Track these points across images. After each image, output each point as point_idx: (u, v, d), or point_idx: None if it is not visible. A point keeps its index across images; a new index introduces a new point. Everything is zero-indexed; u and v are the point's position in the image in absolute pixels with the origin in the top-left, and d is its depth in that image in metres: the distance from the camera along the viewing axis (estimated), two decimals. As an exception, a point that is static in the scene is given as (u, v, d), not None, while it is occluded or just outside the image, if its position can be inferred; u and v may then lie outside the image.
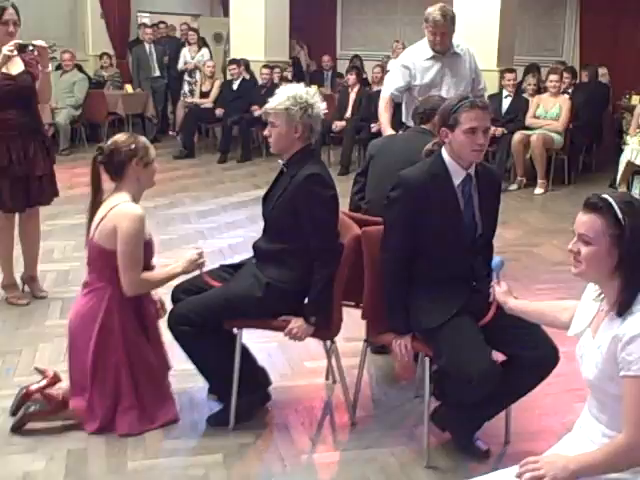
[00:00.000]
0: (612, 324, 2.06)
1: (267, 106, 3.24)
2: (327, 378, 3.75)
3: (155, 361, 3.32)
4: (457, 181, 3.01)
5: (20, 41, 4.37)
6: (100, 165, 3.27)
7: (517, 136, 8.38)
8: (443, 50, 4.95)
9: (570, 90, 9.33)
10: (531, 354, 2.85)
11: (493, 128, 8.16)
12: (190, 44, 11.48)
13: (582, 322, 2.22)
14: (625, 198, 2.08)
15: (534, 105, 8.59)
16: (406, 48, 11.64)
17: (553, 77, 8.55)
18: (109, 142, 3.31)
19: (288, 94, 3.19)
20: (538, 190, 8.41)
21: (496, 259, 2.92)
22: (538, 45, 12.79)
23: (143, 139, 3.33)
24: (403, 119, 5.11)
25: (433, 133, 4.02)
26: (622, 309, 2.04)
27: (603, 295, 2.14)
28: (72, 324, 3.27)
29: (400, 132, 4.79)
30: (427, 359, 3.01)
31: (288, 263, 3.21)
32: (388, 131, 4.86)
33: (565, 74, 9.10)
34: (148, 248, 3.31)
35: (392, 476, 2.96)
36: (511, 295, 2.78)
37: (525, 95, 8.93)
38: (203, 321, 3.16)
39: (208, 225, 6.75)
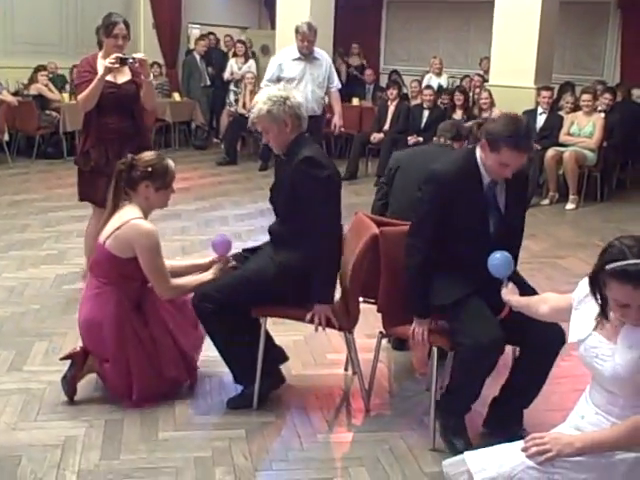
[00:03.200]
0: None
1: (251, 118, 3.53)
2: (346, 369, 4.01)
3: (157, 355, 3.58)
4: (485, 180, 3.19)
5: (121, 55, 4.78)
6: (121, 174, 3.57)
7: (550, 152, 8.55)
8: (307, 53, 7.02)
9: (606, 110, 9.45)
10: (539, 333, 3.02)
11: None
12: (238, 55, 11.86)
13: (584, 329, 2.35)
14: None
15: (568, 122, 8.75)
16: (442, 63, 12.05)
17: (586, 96, 8.69)
18: (137, 156, 3.61)
19: (263, 99, 3.46)
20: (570, 205, 8.55)
21: (500, 260, 3.10)
22: (578, 64, 12.91)
23: (166, 164, 3.60)
24: None
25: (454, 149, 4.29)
26: None
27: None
28: (82, 329, 3.58)
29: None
30: (435, 349, 3.26)
31: (299, 244, 3.42)
32: None
33: (606, 94, 9.22)
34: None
35: (400, 456, 3.20)
36: (515, 294, 3.02)
37: (562, 113, 9.08)
38: (222, 299, 3.41)
39: (245, 228, 7.07)
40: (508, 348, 3.32)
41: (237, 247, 3.88)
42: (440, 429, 3.26)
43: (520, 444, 2.26)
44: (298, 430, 3.39)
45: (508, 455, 2.26)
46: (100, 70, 4.78)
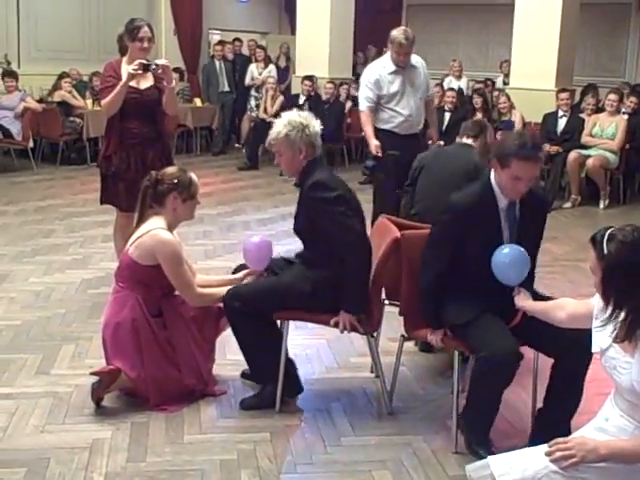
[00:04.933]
0: None
1: (269, 139, 3.57)
2: (372, 371, 4.02)
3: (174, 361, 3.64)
4: (502, 204, 3.23)
5: (144, 61, 4.85)
6: (147, 190, 3.67)
7: (572, 155, 8.51)
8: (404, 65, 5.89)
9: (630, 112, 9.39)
10: (570, 339, 2.98)
11: (548, 146, 8.34)
12: (258, 61, 11.92)
13: (605, 339, 2.36)
14: (621, 234, 2.22)
15: (590, 124, 8.72)
16: (462, 66, 11.90)
17: (612, 96, 8.64)
18: (160, 172, 3.72)
19: (284, 122, 3.51)
20: (602, 204, 8.63)
21: (510, 266, 3.11)
22: (599, 66, 12.85)
23: (190, 176, 3.70)
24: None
25: (475, 148, 4.32)
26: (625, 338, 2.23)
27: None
28: (102, 332, 3.65)
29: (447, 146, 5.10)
30: (457, 352, 3.27)
31: (330, 263, 3.47)
32: (374, 141, 5.70)
33: (632, 97, 9.17)
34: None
35: (423, 460, 3.22)
36: (528, 299, 3.03)
37: (583, 115, 9.05)
38: (252, 301, 3.48)
39: (267, 232, 7.08)
40: (529, 354, 3.34)
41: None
42: (465, 442, 3.25)
43: (544, 448, 2.26)
44: (322, 433, 3.42)
45: (532, 459, 2.26)
46: (124, 75, 4.85)
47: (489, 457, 2.37)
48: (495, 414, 3.21)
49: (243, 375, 3.90)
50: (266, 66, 11.89)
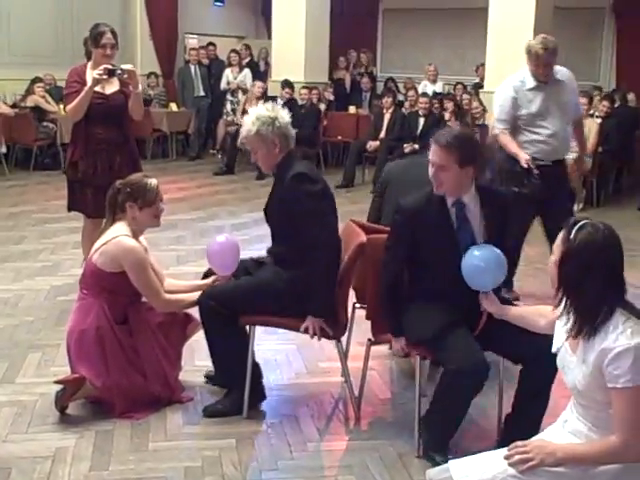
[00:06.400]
0: (593, 341, 2.20)
1: (240, 138, 3.57)
2: (342, 376, 4.00)
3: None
4: (449, 202, 3.23)
5: (109, 65, 4.80)
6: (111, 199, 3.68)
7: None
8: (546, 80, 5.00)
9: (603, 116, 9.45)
10: (531, 345, 2.95)
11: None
12: (232, 65, 11.89)
13: (559, 338, 2.38)
14: (593, 228, 2.21)
15: (563, 128, 8.74)
16: (437, 70, 11.83)
17: (581, 101, 8.68)
18: (122, 180, 3.72)
19: (252, 119, 3.49)
20: (576, 207, 8.59)
21: (479, 269, 3.08)
22: (573, 69, 12.71)
23: (146, 183, 3.66)
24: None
25: None
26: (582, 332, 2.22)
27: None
28: (67, 339, 3.62)
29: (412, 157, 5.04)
30: (418, 357, 3.27)
31: (302, 261, 3.43)
32: (523, 156, 4.91)
33: (605, 102, 9.22)
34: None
35: (389, 464, 3.20)
36: (496, 303, 3.03)
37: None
38: (228, 302, 3.46)
39: (241, 237, 7.02)
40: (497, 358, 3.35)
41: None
42: (422, 447, 3.24)
43: (504, 452, 2.26)
44: (289, 439, 3.39)
45: (491, 463, 2.26)
46: (89, 81, 4.81)
47: (450, 461, 2.36)
48: (459, 424, 3.19)
49: (207, 377, 3.87)
50: (241, 70, 11.85)
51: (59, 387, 3.50)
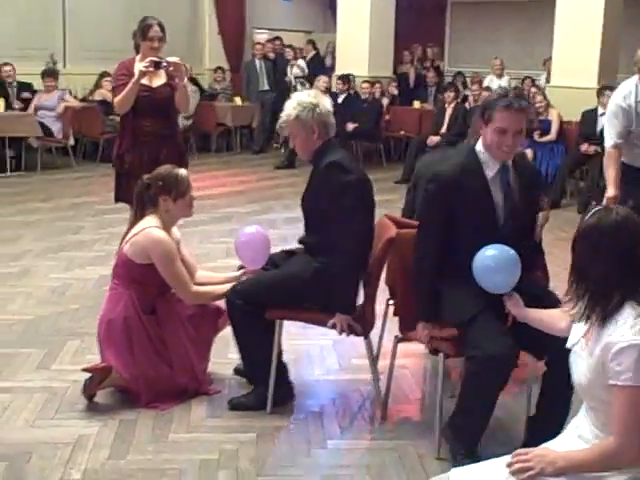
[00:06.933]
0: (602, 333, 2.12)
1: (280, 122, 3.51)
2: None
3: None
4: (491, 172, 3.10)
5: (155, 58, 4.86)
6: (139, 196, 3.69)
7: (611, 154, 8.23)
8: None
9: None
10: (555, 343, 2.75)
11: (586, 145, 8.10)
12: (288, 60, 11.91)
13: (577, 334, 2.28)
14: (608, 211, 2.14)
15: (632, 123, 8.41)
16: (504, 65, 11.50)
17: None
18: (148, 175, 3.73)
19: (293, 104, 3.44)
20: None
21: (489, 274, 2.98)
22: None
23: (177, 174, 3.67)
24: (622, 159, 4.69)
25: None
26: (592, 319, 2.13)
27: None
28: (98, 329, 3.68)
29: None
30: (442, 355, 3.18)
31: (333, 251, 3.36)
32: (610, 192, 4.45)
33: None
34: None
35: (408, 465, 3.13)
36: (520, 305, 2.91)
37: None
38: (254, 297, 3.44)
39: (292, 231, 7.03)
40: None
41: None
42: (450, 453, 3.11)
43: (507, 459, 2.17)
44: (310, 436, 3.35)
45: (493, 471, 2.17)
46: (137, 74, 4.86)
47: (452, 470, 2.28)
48: (486, 424, 3.06)
49: (236, 371, 3.86)
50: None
51: (88, 375, 3.55)
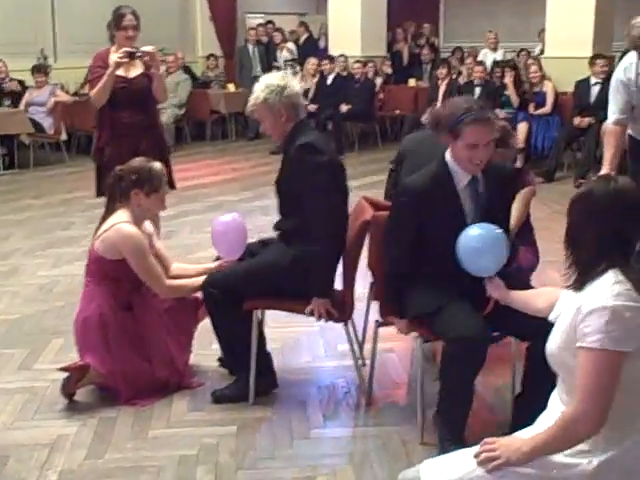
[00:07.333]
0: (574, 297, 2.07)
1: (248, 106, 3.42)
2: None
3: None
4: (462, 183, 3.04)
5: (129, 48, 4.77)
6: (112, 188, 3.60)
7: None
8: None
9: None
10: (537, 320, 2.69)
11: (579, 119, 7.97)
12: (277, 44, 11.78)
13: (561, 306, 2.21)
14: (606, 180, 2.09)
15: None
16: (498, 38, 11.28)
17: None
18: (121, 167, 3.62)
19: (261, 87, 3.35)
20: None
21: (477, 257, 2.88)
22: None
23: (150, 168, 3.57)
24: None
25: None
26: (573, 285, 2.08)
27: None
28: (74, 327, 3.62)
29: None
30: (419, 339, 3.10)
31: (308, 237, 3.30)
32: (604, 170, 4.15)
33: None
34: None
35: (391, 452, 3.06)
36: (502, 288, 2.83)
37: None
38: (230, 287, 3.36)
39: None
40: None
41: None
42: (438, 439, 3.04)
43: (476, 449, 2.10)
44: (292, 426, 3.29)
45: (461, 462, 2.10)
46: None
47: (423, 462, 2.21)
48: (469, 407, 3.00)
49: (220, 361, 3.80)
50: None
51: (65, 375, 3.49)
